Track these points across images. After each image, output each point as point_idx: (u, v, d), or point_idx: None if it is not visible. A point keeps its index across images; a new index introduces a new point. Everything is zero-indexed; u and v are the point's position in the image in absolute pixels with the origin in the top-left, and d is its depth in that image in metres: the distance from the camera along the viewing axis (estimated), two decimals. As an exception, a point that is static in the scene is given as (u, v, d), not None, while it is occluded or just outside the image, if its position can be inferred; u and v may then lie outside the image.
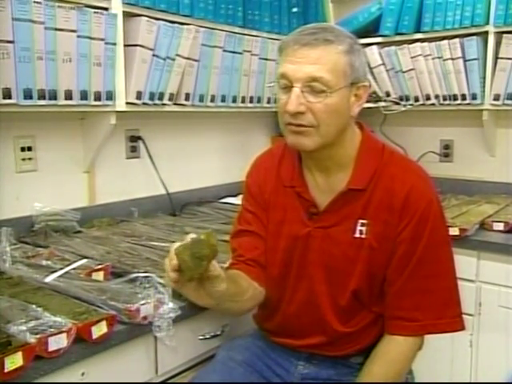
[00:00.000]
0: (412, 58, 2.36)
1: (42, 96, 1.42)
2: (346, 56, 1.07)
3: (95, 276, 1.30)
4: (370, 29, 2.53)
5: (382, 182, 1.15)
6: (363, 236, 1.15)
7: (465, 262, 1.86)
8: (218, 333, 1.37)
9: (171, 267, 0.98)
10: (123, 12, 1.62)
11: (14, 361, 0.91)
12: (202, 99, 1.93)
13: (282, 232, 1.23)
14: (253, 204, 1.28)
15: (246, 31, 2.06)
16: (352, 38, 1.11)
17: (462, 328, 1.17)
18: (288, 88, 1.07)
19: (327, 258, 1.18)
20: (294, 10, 2.25)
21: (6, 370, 0.90)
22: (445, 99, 2.34)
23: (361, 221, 1.15)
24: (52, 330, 0.98)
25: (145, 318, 1.13)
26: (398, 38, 2.43)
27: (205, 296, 1.05)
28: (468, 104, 2.28)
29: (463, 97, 2.28)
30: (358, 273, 1.16)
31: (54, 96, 1.45)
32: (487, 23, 2.18)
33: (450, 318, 1.15)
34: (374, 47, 2.47)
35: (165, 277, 1.11)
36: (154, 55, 1.70)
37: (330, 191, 1.18)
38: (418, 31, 2.38)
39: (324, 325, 1.20)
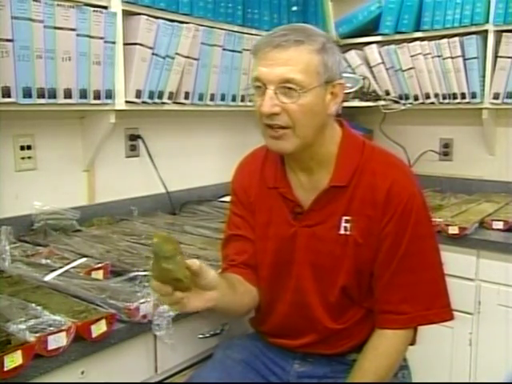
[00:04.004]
0: (412, 56, 2.36)
1: (41, 95, 1.42)
2: (319, 55, 1.07)
3: (95, 275, 1.30)
4: (370, 27, 2.53)
5: (364, 178, 1.16)
6: (348, 232, 1.16)
7: (464, 261, 1.86)
8: (218, 331, 1.37)
9: (163, 293, 0.96)
10: (122, 10, 1.62)
11: (14, 359, 0.91)
12: (201, 98, 1.93)
13: (268, 234, 1.24)
14: (240, 208, 1.29)
15: (245, 30, 2.06)
16: (325, 36, 1.11)
17: (450, 318, 1.18)
18: (262, 90, 1.09)
19: (314, 256, 1.19)
20: (294, 8, 2.25)
21: (5, 369, 0.90)
22: (444, 98, 2.34)
23: (345, 217, 1.16)
24: (51, 328, 0.98)
25: (144, 316, 1.13)
26: (398, 36, 2.43)
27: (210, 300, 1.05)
28: (467, 103, 2.29)
29: (463, 95, 2.28)
30: (346, 269, 1.17)
31: (53, 95, 1.45)
32: (487, 22, 2.19)
33: (438, 308, 1.16)
34: (374, 46, 2.47)
35: (169, 307, 1.11)
36: (153, 54, 1.70)
37: (313, 190, 1.19)
38: (417, 30, 2.38)
39: (316, 323, 1.21)
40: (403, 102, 2.46)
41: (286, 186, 1.22)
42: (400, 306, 1.15)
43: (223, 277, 1.14)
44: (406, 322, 1.16)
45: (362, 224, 1.15)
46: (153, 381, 1.26)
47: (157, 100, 1.77)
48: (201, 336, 1.34)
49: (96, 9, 1.52)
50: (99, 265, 1.32)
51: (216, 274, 1.05)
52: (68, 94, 1.49)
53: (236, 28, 2.02)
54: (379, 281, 1.16)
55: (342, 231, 1.16)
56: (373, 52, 2.48)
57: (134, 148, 1.99)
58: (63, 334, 0.99)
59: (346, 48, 2.59)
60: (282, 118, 1.08)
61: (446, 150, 2.57)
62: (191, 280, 0.97)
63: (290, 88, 1.06)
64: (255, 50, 1.11)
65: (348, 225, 1.16)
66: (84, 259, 1.35)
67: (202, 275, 0.99)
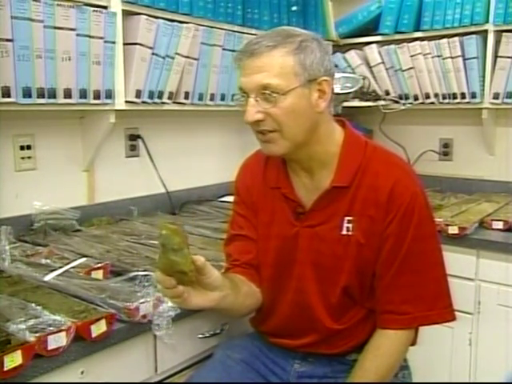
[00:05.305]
0: (411, 56, 2.36)
1: (41, 95, 1.42)
2: (294, 56, 1.07)
3: (94, 274, 1.30)
4: (370, 27, 2.54)
5: (366, 178, 1.15)
6: (350, 233, 1.16)
7: (464, 261, 1.87)
8: (218, 331, 1.37)
9: (167, 285, 0.97)
10: (122, 10, 1.62)
11: (14, 359, 0.91)
12: (201, 98, 1.93)
13: (271, 234, 1.24)
14: (243, 208, 1.29)
15: (245, 30, 2.06)
16: (304, 35, 1.10)
17: (453, 318, 1.18)
18: (246, 99, 1.10)
19: (316, 256, 1.19)
20: (294, 8, 2.25)
21: (5, 369, 0.90)
22: (444, 98, 2.34)
23: (347, 218, 1.16)
24: (51, 328, 0.98)
25: (144, 316, 1.13)
26: (398, 36, 2.44)
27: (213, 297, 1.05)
28: (467, 103, 2.29)
29: (463, 95, 2.29)
30: (347, 269, 1.17)
31: (53, 95, 1.45)
32: (487, 22, 2.19)
33: (440, 309, 1.16)
34: (374, 46, 2.47)
35: (171, 301, 1.11)
36: (153, 54, 1.70)
37: (315, 190, 1.19)
38: (417, 30, 2.38)
39: (316, 323, 1.20)
40: (403, 101, 2.46)
41: (287, 187, 1.22)
42: (402, 306, 1.15)
43: (227, 277, 1.14)
44: (408, 322, 1.15)
45: (364, 224, 1.15)
46: (153, 381, 1.26)
47: (157, 100, 1.77)
48: (201, 336, 1.34)
49: (96, 9, 1.52)
50: (99, 265, 1.32)
51: (219, 275, 1.06)
52: (68, 93, 1.49)
53: (236, 28, 2.02)
54: (381, 281, 1.16)
55: (344, 231, 1.16)
56: (373, 52, 2.48)
57: (133, 148, 1.99)
58: (63, 333, 0.99)
59: (345, 48, 2.60)
60: (267, 122, 1.09)
61: (445, 150, 2.57)
62: (195, 275, 0.98)
63: (268, 93, 1.07)
64: (235, 61, 1.12)
65: (350, 225, 1.16)
66: (84, 259, 1.35)
67: (205, 273, 1.00)
